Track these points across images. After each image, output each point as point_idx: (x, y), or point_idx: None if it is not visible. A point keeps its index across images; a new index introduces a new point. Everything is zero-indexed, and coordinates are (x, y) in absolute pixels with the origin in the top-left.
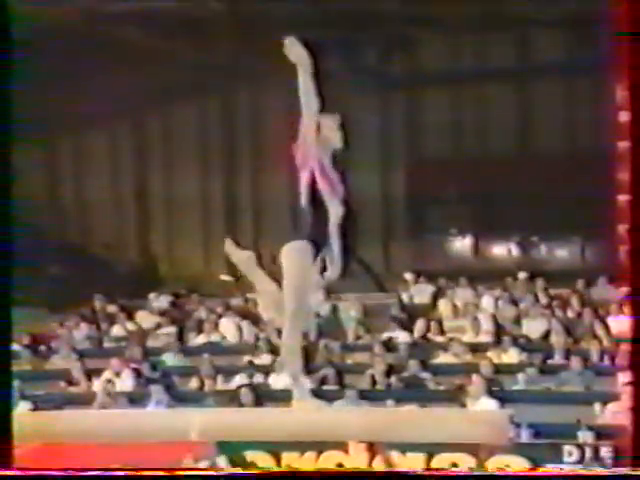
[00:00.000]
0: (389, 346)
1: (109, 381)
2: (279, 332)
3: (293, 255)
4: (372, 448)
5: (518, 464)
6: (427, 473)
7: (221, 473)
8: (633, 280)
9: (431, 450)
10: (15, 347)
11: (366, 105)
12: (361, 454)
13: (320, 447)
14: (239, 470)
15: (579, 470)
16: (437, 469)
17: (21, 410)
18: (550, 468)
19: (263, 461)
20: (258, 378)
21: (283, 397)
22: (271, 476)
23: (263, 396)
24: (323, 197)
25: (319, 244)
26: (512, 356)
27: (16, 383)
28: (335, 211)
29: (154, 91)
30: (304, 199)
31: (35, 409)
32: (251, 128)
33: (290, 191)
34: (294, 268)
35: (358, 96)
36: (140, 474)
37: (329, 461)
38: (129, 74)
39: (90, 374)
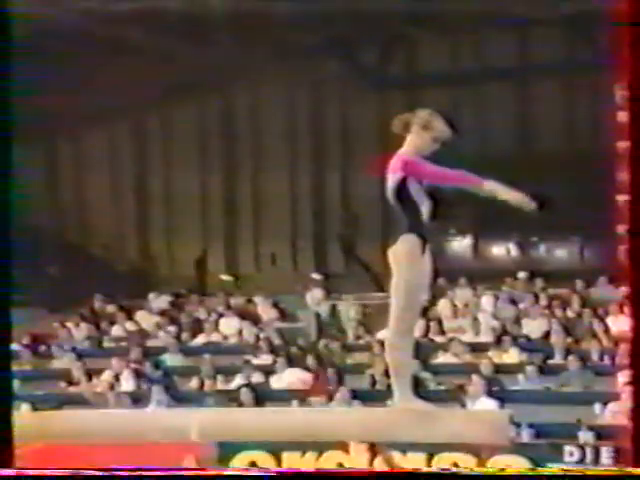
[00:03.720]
0: None
1: (116, 380)
2: (279, 332)
3: (406, 249)
4: (373, 448)
5: (519, 464)
6: (427, 473)
7: (221, 473)
8: (633, 280)
9: (431, 450)
10: (15, 347)
11: (367, 105)
12: (362, 454)
13: (321, 447)
14: (238, 470)
15: (579, 470)
16: (440, 469)
17: (21, 410)
18: (550, 468)
19: (264, 461)
20: (258, 378)
21: (283, 397)
22: (271, 476)
23: (263, 396)
24: (413, 195)
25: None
26: (512, 356)
27: (16, 383)
28: (427, 207)
29: (153, 90)
30: (393, 199)
31: (34, 409)
32: (251, 127)
33: (290, 190)
34: (407, 263)
35: (358, 96)
36: (140, 474)
37: (330, 461)
38: (128, 73)
39: (90, 374)
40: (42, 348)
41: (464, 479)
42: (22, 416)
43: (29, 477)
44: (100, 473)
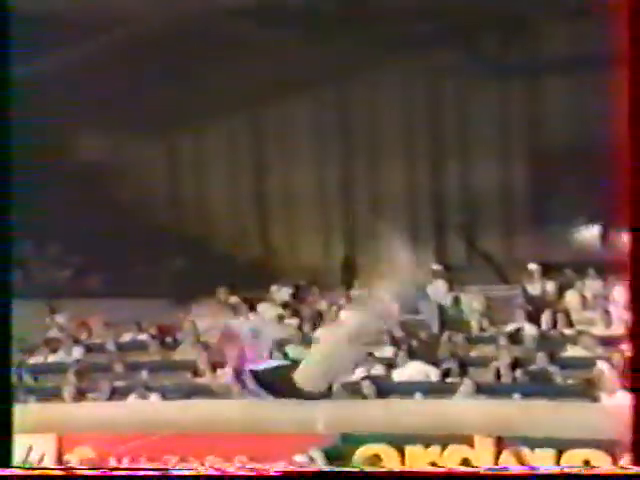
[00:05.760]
0: (514, 338)
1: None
2: (402, 324)
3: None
4: (499, 443)
5: None
6: (428, 473)
7: (225, 473)
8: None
9: (561, 446)
10: (143, 337)
11: (485, 95)
12: (487, 449)
13: (445, 441)
14: (239, 470)
15: (579, 470)
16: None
17: (150, 400)
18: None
19: (387, 454)
20: (380, 370)
21: (405, 390)
22: (272, 476)
23: (385, 389)
24: None
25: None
26: None
27: (144, 374)
28: None
29: (269, 85)
30: None
31: (164, 399)
32: (367, 120)
33: (409, 181)
34: None
35: (476, 86)
36: (139, 474)
37: (454, 456)
38: (246, 69)
39: (215, 365)
40: (169, 339)
41: (464, 479)
42: (153, 406)
43: (29, 477)
44: (101, 473)
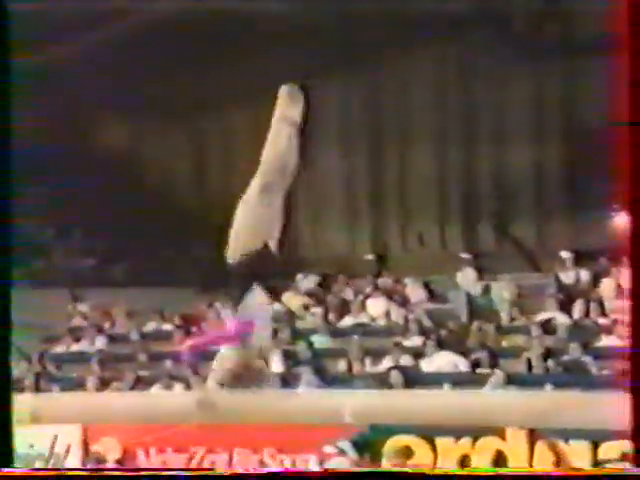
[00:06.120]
0: (546, 328)
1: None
2: (429, 314)
3: None
4: (532, 435)
5: None
6: (427, 473)
7: (222, 473)
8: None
9: (597, 438)
10: (167, 327)
11: (518, 76)
12: (520, 441)
13: (476, 433)
14: (239, 470)
15: (579, 470)
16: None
17: (175, 391)
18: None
19: (417, 446)
20: (408, 360)
21: (434, 380)
22: (272, 476)
23: (413, 379)
24: None
25: None
26: None
27: (168, 364)
28: None
29: (297, 68)
30: None
31: (188, 389)
32: (397, 103)
33: (438, 169)
34: None
35: (510, 67)
36: (139, 474)
37: (486, 448)
38: (272, 51)
39: None
40: (194, 329)
41: (464, 479)
42: (177, 396)
43: (29, 477)
44: (100, 473)
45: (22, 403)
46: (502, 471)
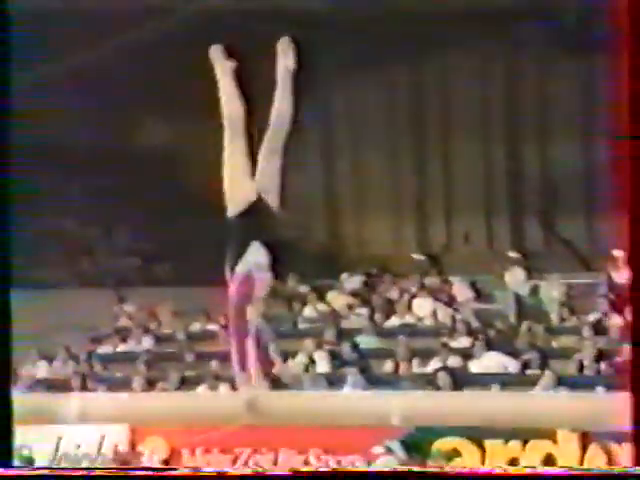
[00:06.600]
0: (598, 329)
1: (310, 362)
2: (478, 314)
3: None
4: (584, 438)
5: None
6: (426, 473)
7: (222, 473)
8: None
9: None
10: (213, 327)
11: (565, 71)
12: (571, 444)
13: (526, 435)
14: (248, 470)
15: (578, 470)
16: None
17: (220, 391)
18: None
19: (465, 448)
20: (455, 361)
21: (483, 382)
22: (272, 476)
23: (461, 380)
24: None
25: None
26: None
27: (214, 364)
28: None
29: (336, 66)
30: None
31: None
32: (441, 99)
33: (484, 166)
34: None
35: (557, 63)
36: (139, 474)
37: (536, 451)
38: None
39: (286, 355)
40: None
41: (464, 479)
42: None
43: (29, 477)
44: (100, 473)
45: (69, 403)
46: (512, 471)
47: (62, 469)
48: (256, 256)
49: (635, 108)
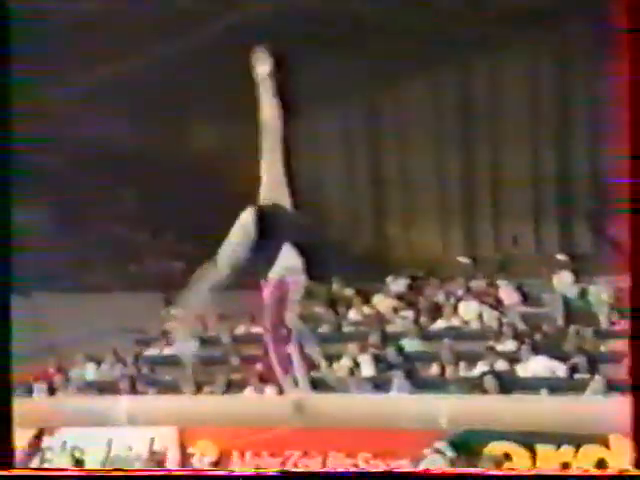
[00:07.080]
0: None
1: (355, 365)
2: (525, 317)
3: None
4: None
5: None
6: (426, 473)
7: (222, 473)
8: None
9: None
10: (258, 330)
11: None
12: (625, 449)
13: (578, 441)
14: (246, 470)
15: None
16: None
17: (266, 395)
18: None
19: (516, 453)
20: (502, 365)
21: (530, 385)
22: (272, 476)
23: (508, 384)
24: None
25: None
26: None
27: (260, 367)
28: None
29: (385, 67)
30: None
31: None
32: (489, 102)
33: (532, 168)
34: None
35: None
36: (138, 474)
37: (588, 456)
38: (356, 51)
39: (331, 358)
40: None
41: (464, 479)
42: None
43: (29, 477)
44: (100, 473)
45: (118, 405)
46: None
47: (62, 469)
48: (288, 259)
49: None
